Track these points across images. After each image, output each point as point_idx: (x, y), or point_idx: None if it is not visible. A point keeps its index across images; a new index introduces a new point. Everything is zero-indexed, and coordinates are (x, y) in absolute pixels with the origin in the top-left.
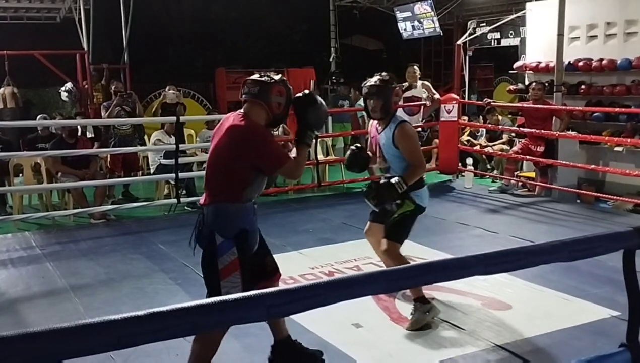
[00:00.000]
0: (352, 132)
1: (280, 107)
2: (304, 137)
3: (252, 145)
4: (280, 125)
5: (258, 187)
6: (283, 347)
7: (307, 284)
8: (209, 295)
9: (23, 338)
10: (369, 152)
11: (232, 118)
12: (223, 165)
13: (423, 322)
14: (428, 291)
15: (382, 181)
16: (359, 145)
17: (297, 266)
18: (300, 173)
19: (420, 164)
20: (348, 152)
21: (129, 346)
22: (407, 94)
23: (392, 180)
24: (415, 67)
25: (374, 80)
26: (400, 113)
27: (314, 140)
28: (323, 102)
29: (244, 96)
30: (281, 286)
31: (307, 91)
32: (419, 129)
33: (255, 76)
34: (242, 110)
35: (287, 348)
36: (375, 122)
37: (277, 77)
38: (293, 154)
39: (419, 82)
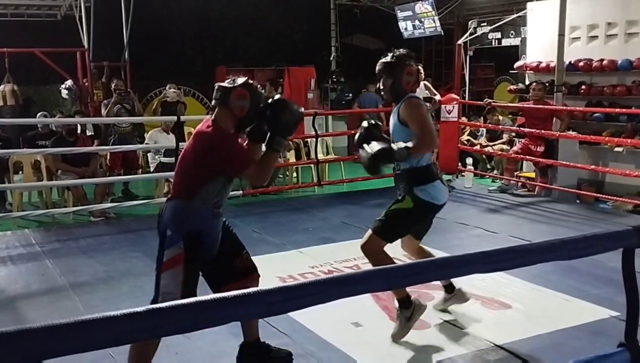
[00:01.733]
0: (352, 132)
1: (244, 110)
2: (271, 142)
3: (214, 151)
4: None
5: (217, 190)
6: (252, 350)
7: (307, 281)
8: (155, 287)
9: (22, 335)
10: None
11: (202, 123)
12: (185, 167)
13: (406, 332)
14: (428, 290)
15: (380, 142)
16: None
17: (296, 265)
18: (264, 177)
19: (428, 138)
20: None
21: (129, 342)
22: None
23: (397, 145)
24: (419, 67)
25: (387, 57)
26: None
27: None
28: (297, 108)
29: (212, 101)
30: (281, 284)
31: (277, 96)
32: None
33: (227, 82)
34: (212, 115)
35: (256, 351)
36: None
37: (241, 80)
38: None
39: (421, 83)
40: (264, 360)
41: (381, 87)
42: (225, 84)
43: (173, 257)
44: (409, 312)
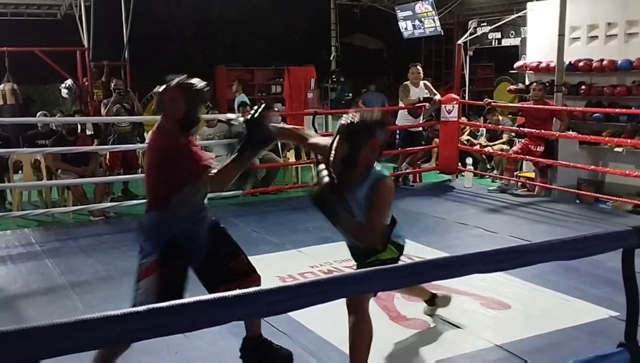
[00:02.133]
0: None
1: (180, 112)
2: (241, 153)
3: (169, 163)
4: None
5: (188, 196)
6: (254, 345)
7: (308, 281)
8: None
9: (21, 334)
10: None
11: (150, 132)
12: (150, 181)
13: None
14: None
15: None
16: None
17: (296, 264)
18: (223, 185)
19: (373, 235)
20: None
21: (129, 342)
22: (412, 95)
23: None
24: (419, 67)
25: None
26: (404, 115)
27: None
28: (269, 131)
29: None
30: (280, 284)
31: (258, 111)
32: (420, 128)
33: (161, 86)
34: (159, 123)
35: (258, 347)
36: None
37: (174, 82)
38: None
39: (421, 83)
40: (264, 357)
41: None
42: (159, 89)
43: (148, 266)
44: (435, 308)
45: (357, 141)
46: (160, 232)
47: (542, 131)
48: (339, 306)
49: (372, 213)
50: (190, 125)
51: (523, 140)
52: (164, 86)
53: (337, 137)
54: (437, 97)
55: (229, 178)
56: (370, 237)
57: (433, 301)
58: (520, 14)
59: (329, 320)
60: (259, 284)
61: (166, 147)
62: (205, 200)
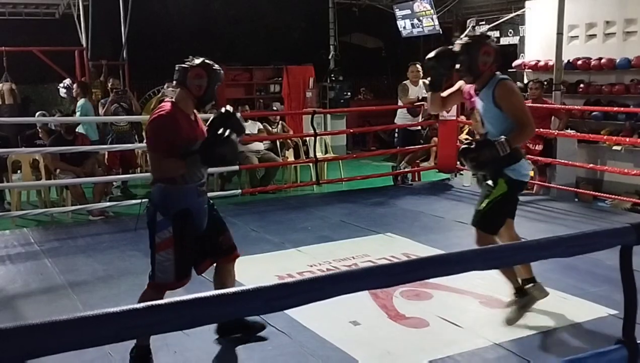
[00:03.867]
0: (351, 130)
1: (202, 89)
2: (188, 157)
3: (150, 131)
4: (279, 123)
5: (193, 168)
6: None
7: (306, 278)
8: (151, 265)
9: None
10: None
11: (163, 103)
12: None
13: (519, 318)
14: (426, 289)
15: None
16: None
17: (295, 263)
18: (159, 172)
19: (528, 122)
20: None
21: (128, 339)
22: (411, 94)
23: (495, 139)
24: (418, 65)
25: (463, 38)
26: (403, 113)
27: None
28: (234, 143)
29: (173, 83)
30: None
31: (222, 133)
32: (419, 127)
33: (185, 63)
34: (175, 96)
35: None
36: (469, 86)
37: (198, 61)
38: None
39: (420, 81)
40: (239, 326)
41: (460, 69)
42: (183, 65)
43: (164, 241)
44: (524, 300)
45: (472, 52)
46: (173, 203)
47: (541, 130)
48: (338, 305)
49: (515, 110)
50: (206, 102)
51: None
52: (186, 63)
53: (460, 57)
54: None
55: (166, 170)
56: (531, 127)
57: (524, 291)
58: (518, 12)
59: (327, 319)
60: (234, 263)
61: (156, 116)
62: (205, 174)
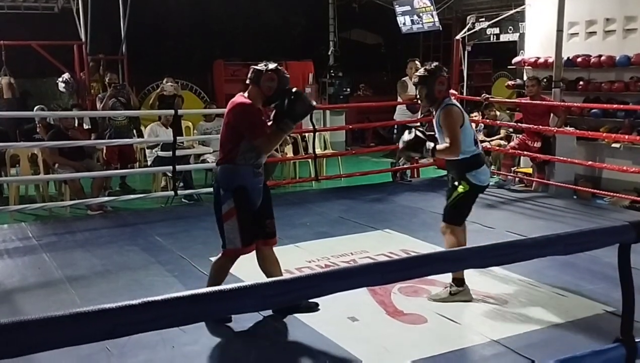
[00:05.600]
0: (350, 127)
1: (271, 90)
2: (279, 122)
3: (237, 116)
4: None
5: (250, 152)
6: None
7: (304, 275)
8: (219, 232)
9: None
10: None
11: (236, 97)
12: (224, 134)
13: (444, 301)
14: (424, 285)
15: (420, 135)
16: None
17: (293, 259)
18: (269, 149)
19: (454, 144)
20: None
21: (125, 335)
22: (410, 90)
23: (428, 144)
24: (417, 62)
25: (420, 70)
26: (402, 110)
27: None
28: (309, 101)
29: (247, 80)
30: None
31: (295, 89)
32: (418, 123)
33: (260, 65)
34: (246, 92)
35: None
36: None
37: (272, 66)
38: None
39: None
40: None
41: (419, 95)
42: (258, 67)
43: (228, 211)
44: (457, 289)
45: (430, 83)
46: (233, 179)
47: (540, 127)
48: (336, 301)
49: (447, 132)
50: (273, 101)
51: (520, 136)
52: (262, 66)
53: (419, 87)
54: None
55: (274, 144)
56: (454, 149)
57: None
58: (518, 9)
59: (325, 316)
60: (273, 246)
61: (246, 105)
62: (263, 159)
